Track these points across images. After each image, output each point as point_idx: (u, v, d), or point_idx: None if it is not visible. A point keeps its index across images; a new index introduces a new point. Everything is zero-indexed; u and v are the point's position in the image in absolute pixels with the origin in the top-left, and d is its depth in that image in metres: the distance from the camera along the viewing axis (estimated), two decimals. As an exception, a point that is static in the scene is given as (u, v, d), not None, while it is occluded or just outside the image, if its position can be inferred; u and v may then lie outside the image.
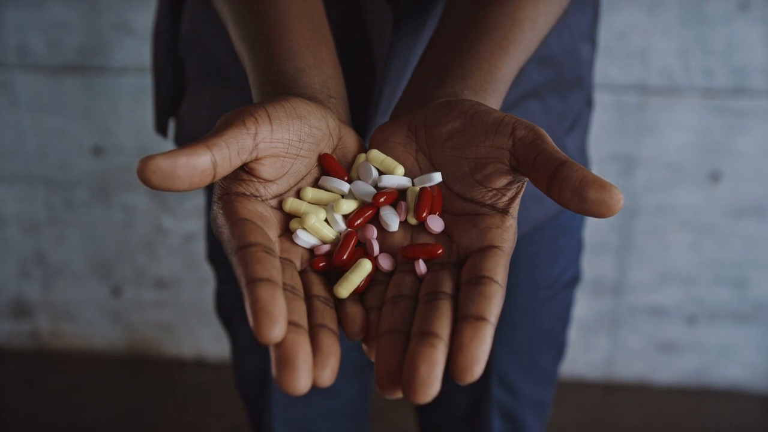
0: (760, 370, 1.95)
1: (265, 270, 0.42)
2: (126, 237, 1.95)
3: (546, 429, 1.01)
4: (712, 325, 1.92)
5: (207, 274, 1.94)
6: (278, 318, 0.40)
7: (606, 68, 1.68)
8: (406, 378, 0.41)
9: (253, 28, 0.62)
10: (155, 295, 2.00)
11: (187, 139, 0.89)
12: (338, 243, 0.50)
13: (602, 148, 1.74)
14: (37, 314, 2.04)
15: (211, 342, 2.03)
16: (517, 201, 0.50)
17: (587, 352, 1.95)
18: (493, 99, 0.58)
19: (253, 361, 0.96)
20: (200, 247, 1.92)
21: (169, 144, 1.81)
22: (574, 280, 0.95)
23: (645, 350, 1.96)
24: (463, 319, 0.43)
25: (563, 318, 0.95)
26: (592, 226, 1.04)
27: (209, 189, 0.96)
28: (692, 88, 1.72)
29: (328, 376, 0.42)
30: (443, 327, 0.43)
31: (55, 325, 2.05)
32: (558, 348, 0.96)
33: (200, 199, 1.87)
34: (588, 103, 0.90)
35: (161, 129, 0.94)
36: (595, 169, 1.70)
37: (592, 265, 1.80)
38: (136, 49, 1.77)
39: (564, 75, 0.82)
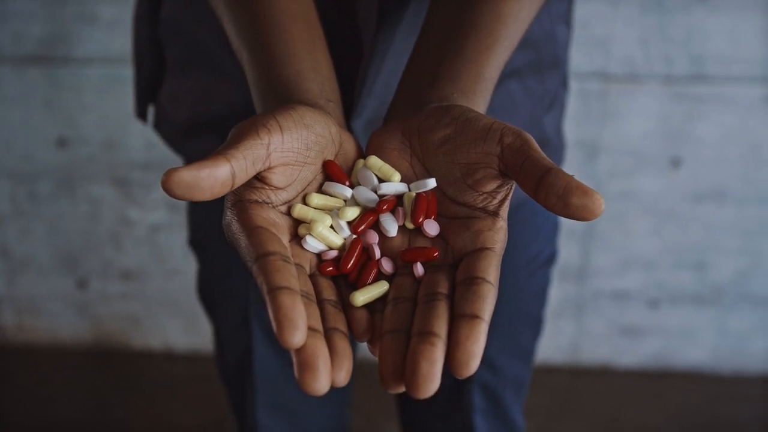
0: (721, 352, 1.99)
1: (285, 278, 0.45)
2: (92, 229, 1.93)
3: (523, 408, 1.03)
4: (673, 309, 1.96)
5: (174, 265, 1.93)
6: (300, 324, 0.43)
7: (570, 56, 1.70)
8: (409, 375, 0.44)
9: (250, 28, 0.64)
10: (122, 287, 1.99)
11: (167, 124, 0.89)
12: (344, 248, 0.54)
13: (566, 135, 1.76)
14: (2, 308, 2.02)
15: (179, 334, 2.02)
16: (507, 203, 0.53)
17: (553, 337, 1.98)
18: (482, 99, 0.61)
19: (236, 344, 0.97)
20: (167, 238, 1.91)
21: (137, 132, 1.80)
22: (551, 258, 0.97)
23: (608, 334, 1.99)
24: (459, 317, 0.46)
25: (541, 296, 0.97)
26: (557, 212, 1.09)
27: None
28: (653, 75, 1.75)
29: (344, 377, 0.45)
30: (441, 326, 0.46)
31: (20, 320, 2.03)
32: (536, 325, 0.98)
33: (167, 190, 1.86)
34: (564, 84, 0.92)
35: (141, 114, 0.94)
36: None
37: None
38: (101, 39, 1.75)
39: (543, 56, 0.83)
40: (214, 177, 0.47)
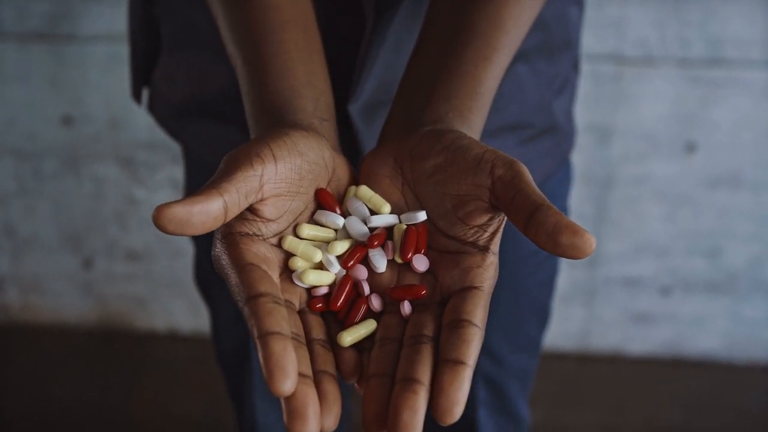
0: (734, 340, 1.97)
1: (276, 323, 0.45)
2: (97, 208, 1.92)
3: (528, 399, 1.01)
4: (686, 296, 1.93)
5: (180, 246, 1.92)
6: (290, 372, 0.43)
7: (582, 38, 1.67)
8: (391, 423, 0.44)
9: (244, 36, 0.63)
10: (127, 267, 1.98)
11: (161, 106, 0.87)
12: (335, 282, 0.54)
13: (578, 118, 1.72)
14: (6, 287, 2.01)
15: (184, 315, 2.01)
16: (498, 236, 0.52)
17: (563, 324, 1.96)
18: (478, 116, 0.60)
19: (233, 331, 0.96)
20: (173, 218, 1.89)
21: (142, 111, 1.78)
22: (559, 248, 0.94)
23: (619, 321, 1.97)
24: (443, 363, 0.46)
25: (548, 286, 0.95)
26: (568, 197, 1.08)
27: (188, 164, 0.94)
28: (668, 58, 1.72)
29: (332, 422, 0.45)
30: (424, 372, 0.46)
31: (25, 299, 2.03)
32: (542, 316, 0.96)
33: (172, 170, 1.85)
34: (575, 67, 0.89)
35: (136, 95, 0.92)
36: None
37: (568, 236, 1.80)
38: (106, 16, 1.73)
39: (553, 38, 0.81)
40: (207, 213, 0.47)
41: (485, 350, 0.91)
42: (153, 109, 0.89)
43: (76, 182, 1.89)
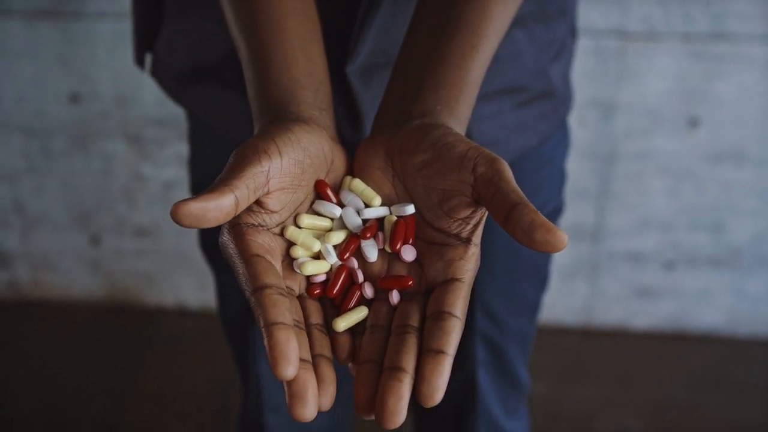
0: (737, 314, 1.97)
1: (280, 313, 0.49)
2: (105, 185, 1.93)
3: (528, 364, 1.02)
4: (689, 271, 1.94)
5: (187, 222, 1.92)
6: (293, 359, 0.47)
7: (586, 13, 1.67)
8: (378, 408, 0.49)
9: (247, 21, 0.66)
10: (135, 243, 1.99)
11: (164, 71, 0.88)
12: (331, 269, 0.58)
13: (582, 94, 1.74)
14: (15, 264, 2.03)
15: (192, 290, 2.03)
16: (480, 228, 0.56)
17: (566, 298, 1.97)
18: (466, 105, 0.63)
19: (237, 297, 0.96)
20: (180, 195, 1.91)
21: (150, 88, 1.79)
22: (557, 211, 0.95)
23: (623, 296, 1.98)
24: (426, 352, 0.51)
25: (546, 249, 0.96)
26: (571, 173, 1.05)
27: (192, 136, 0.95)
28: (672, 33, 1.72)
29: (328, 401, 0.50)
30: (409, 361, 0.51)
31: (34, 275, 2.04)
32: (541, 279, 0.97)
33: (179, 147, 1.86)
34: (572, 33, 0.89)
35: (139, 60, 0.93)
36: (575, 114, 1.70)
37: (572, 211, 1.81)
38: (113, -7, 1.74)
39: (548, 7, 0.82)
40: (220, 209, 0.51)
41: (484, 311, 0.92)
42: (156, 74, 0.90)
43: (85, 159, 1.91)
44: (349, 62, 0.73)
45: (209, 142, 0.91)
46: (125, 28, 1.73)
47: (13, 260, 2.03)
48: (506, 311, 0.94)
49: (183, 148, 1.84)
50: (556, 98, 0.86)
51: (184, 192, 1.89)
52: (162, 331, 1.99)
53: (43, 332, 1.98)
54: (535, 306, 0.98)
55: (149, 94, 1.82)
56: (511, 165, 0.84)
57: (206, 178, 0.94)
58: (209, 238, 0.98)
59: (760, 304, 1.96)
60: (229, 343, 1.03)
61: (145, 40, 0.90)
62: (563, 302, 1.97)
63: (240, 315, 0.97)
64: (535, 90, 0.83)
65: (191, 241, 1.93)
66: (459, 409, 0.99)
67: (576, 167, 1.68)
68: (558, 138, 0.91)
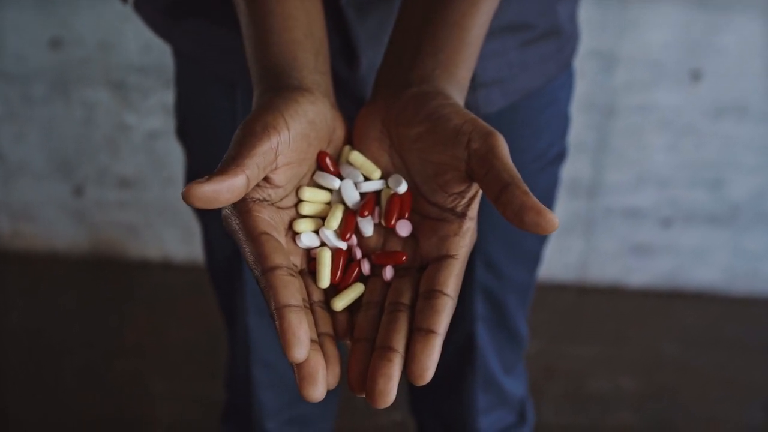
0: (734, 272, 1.95)
1: (291, 295, 0.50)
2: (87, 134, 1.89)
3: (528, 314, 0.99)
4: (686, 228, 1.91)
5: (172, 172, 1.88)
6: (305, 343, 0.48)
7: (588, -41, 1.63)
8: (368, 387, 0.50)
9: None
10: (119, 194, 1.95)
11: (148, 5, 0.83)
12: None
13: (582, 45, 1.69)
14: (-4, 215, 1.99)
15: (177, 243, 1.99)
16: (476, 202, 0.56)
17: (561, 255, 1.94)
18: (465, 68, 0.62)
19: (224, 246, 0.93)
20: (165, 145, 1.87)
21: (133, 34, 1.74)
22: (560, 156, 0.92)
23: (619, 253, 1.95)
24: (417, 331, 0.51)
25: (549, 196, 0.93)
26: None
27: (177, 75, 0.91)
28: (675, -18, 1.68)
29: (334, 380, 0.51)
30: (399, 341, 0.51)
31: (15, 226, 2.00)
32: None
33: (164, 95, 1.81)
34: (581, -31, 0.85)
35: (123, -7, 0.88)
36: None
37: (568, 165, 1.76)
38: (95, -67, 1.68)
39: None
40: (232, 190, 0.51)
41: (485, 262, 0.89)
42: (140, 8, 0.85)
43: (66, 107, 1.86)
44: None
45: (194, 80, 0.87)
46: (108, -31, 1.67)
47: (-7, 211, 1.99)
48: (507, 261, 0.91)
49: (168, 97, 1.79)
50: (562, 37, 0.84)
51: (169, 142, 1.84)
52: (146, 284, 1.96)
53: (24, 284, 1.95)
54: (536, 256, 0.95)
55: (133, 41, 1.77)
56: (515, 105, 0.82)
57: (190, 118, 0.91)
58: (195, 179, 0.94)
59: (758, 262, 1.93)
60: (217, 294, 1.00)
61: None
62: (558, 259, 1.94)
63: (229, 261, 0.94)
64: (542, 28, 0.80)
65: (176, 192, 1.89)
66: (457, 366, 0.97)
67: (573, 120, 1.64)
68: (563, 80, 0.88)
